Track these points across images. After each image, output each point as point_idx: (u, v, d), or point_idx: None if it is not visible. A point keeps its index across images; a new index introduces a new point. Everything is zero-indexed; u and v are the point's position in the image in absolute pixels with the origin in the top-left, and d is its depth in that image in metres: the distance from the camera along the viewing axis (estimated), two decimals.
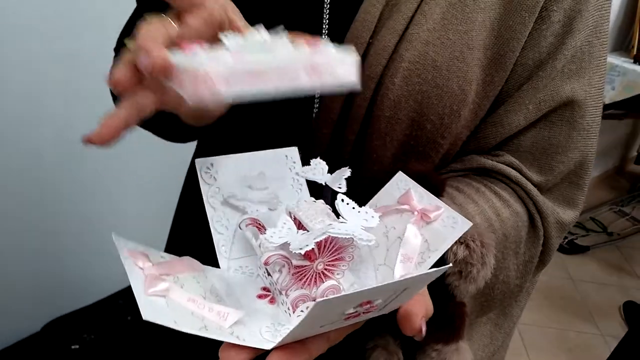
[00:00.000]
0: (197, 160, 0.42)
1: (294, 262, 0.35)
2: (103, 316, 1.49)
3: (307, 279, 0.36)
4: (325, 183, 0.41)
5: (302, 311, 0.35)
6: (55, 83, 1.23)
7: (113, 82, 0.32)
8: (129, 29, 0.59)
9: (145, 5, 0.58)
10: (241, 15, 0.38)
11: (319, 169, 0.42)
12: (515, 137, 0.52)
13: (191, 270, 0.36)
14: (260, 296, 0.38)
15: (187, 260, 0.37)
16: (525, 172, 0.52)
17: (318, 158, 0.43)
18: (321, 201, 0.40)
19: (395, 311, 0.36)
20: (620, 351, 1.66)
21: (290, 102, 0.51)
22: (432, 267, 0.37)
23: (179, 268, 0.36)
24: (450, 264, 0.36)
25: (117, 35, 0.57)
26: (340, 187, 0.39)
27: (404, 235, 0.38)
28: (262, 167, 0.44)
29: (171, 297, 0.32)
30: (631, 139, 3.47)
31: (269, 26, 0.51)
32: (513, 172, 0.51)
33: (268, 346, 0.31)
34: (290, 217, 0.39)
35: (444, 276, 0.44)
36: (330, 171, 0.43)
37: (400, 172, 0.43)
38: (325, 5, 0.49)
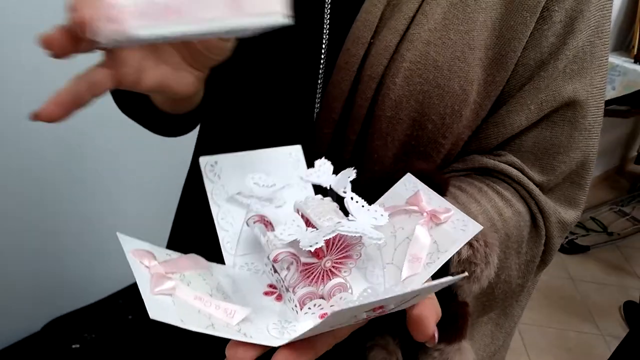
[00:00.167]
0: (201, 158, 0.42)
1: (302, 260, 0.35)
2: (103, 316, 1.49)
3: (314, 276, 0.36)
4: (330, 186, 0.41)
5: (309, 308, 0.35)
6: (54, 83, 1.23)
7: (43, 40, 0.30)
8: None
9: None
10: None
11: (323, 170, 0.42)
12: (517, 137, 0.52)
13: (197, 268, 0.36)
14: (266, 293, 0.38)
15: (193, 257, 0.37)
16: (527, 171, 0.52)
17: (323, 158, 0.43)
18: (329, 198, 0.40)
19: (397, 312, 0.36)
20: (621, 352, 1.67)
21: (291, 101, 0.52)
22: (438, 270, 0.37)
23: (184, 265, 0.35)
24: (465, 273, 0.35)
25: None
26: (345, 192, 0.39)
27: (413, 235, 0.38)
28: (266, 164, 0.44)
29: (178, 296, 0.32)
30: (631, 138, 3.47)
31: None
32: (515, 172, 0.51)
33: (275, 343, 0.31)
34: (299, 214, 0.39)
35: (447, 276, 0.44)
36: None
37: (408, 173, 0.42)
38: (326, 5, 0.49)
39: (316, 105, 0.50)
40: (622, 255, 2.70)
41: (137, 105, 0.54)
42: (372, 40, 0.48)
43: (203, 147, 0.63)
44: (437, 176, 0.44)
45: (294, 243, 0.34)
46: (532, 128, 0.51)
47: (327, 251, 0.35)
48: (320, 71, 0.50)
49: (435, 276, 0.37)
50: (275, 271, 0.37)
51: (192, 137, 0.65)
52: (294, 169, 0.45)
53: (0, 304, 1.37)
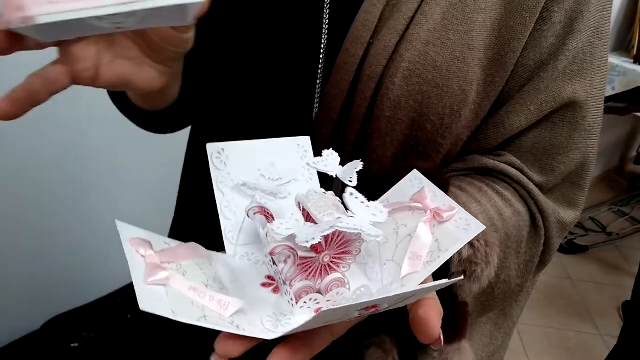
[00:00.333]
0: (208, 145, 0.42)
1: (300, 254, 0.35)
2: (103, 314, 1.49)
3: (312, 270, 0.35)
4: (335, 177, 0.41)
5: (305, 302, 0.35)
6: None
7: None
8: None
9: None
10: None
11: (330, 161, 0.42)
12: (517, 138, 0.52)
13: (195, 257, 0.36)
14: (264, 285, 0.38)
15: (192, 246, 0.36)
16: (527, 172, 0.52)
17: (330, 149, 0.42)
18: (331, 193, 0.40)
19: (395, 311, 0.36)
20: (619, 350, 1.67)
21: (290, 101, 0.52)
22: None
23: (182, 255, 0.35)
24: (462, 277, 0.35)
25: None
26: (351, 181, 0.38)
27: (415, 232, 0.38)
28: (273, 154, 0.43)
29: (171, 286, 0.32)
30: (631, 139, 3.47)
31: (268, 26, 0.51)
32: (515, 172, 0.51)
33: (268, 336, 0.31)
34: (299, 207, 0.38)
35: (447, 276, 0.44)
36: None
37: (415, 170, 0.42)
38: (326, 5, 0.49)
39: (315, 105, 0.50)
40: (621, 255, 2.70)
41: (122, 101, 0.54)
42: (371, 41, 0.48)
43: (198, 147, 0.64)
44: (438, 175, 0.44)
45: (292, 237, 0.34)
46: (532, 129, 0.51)
47: (325, 246, 0.35)
48: (319, 71, 0.50)
49: (435, 275, 0.37)
50: (274, 263, 0.36)
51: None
52: (302, 160, 0.44)
53: (0, 303, 1.37)
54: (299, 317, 0.35)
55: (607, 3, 0.50)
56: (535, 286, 0.64)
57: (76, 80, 0.34)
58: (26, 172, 1.32)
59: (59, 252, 1.46)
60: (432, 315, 0.34)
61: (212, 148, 0.42)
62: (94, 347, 1.39)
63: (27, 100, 0.32)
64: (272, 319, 0.34)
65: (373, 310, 0.31)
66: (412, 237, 0.38)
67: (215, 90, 0.56)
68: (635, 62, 2.43)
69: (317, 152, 0.44)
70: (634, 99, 2.38)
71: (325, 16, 0.49)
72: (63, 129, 1.32)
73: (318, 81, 0.50)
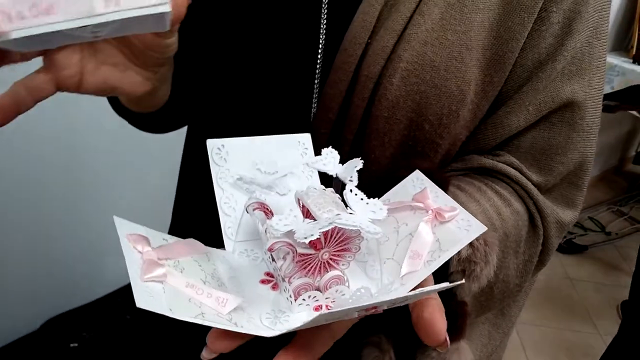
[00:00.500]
0: (208, 141, 0.41)
1: (299, 250, 0.34)
2: (102, 314, 1.49)
3: (311, 267, 0.35)
4: (335, 175, 0.41)
5: (303, 299, 0.35)
6: None
7: None
8: None
9: None
10: None
11: (330, 159, 0.41)
12: (515, 138, 0.52)
13: (194, 253, 0.36)
14: (263, 281, 0.38)
15: (190, 242, 0.36)
16: (526, 172, 0.52)
17: (330, 147, 0.42)
18: (331, 189, 0.40)
19: (391, 311, 0.36)
20: (615, 348, 1.67)
21: (288, 101, 0.52)
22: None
23: (180, 251, 0.35)
24: (463, 280, 0.35)
25: None
26: (351, 180, 0.38)
27: (416, 231, 0.38)
28: (273, 151, 0.43)
29: (169, 283, 0.32)
30: (630, 138, 3.48)
31: (266, 26, 0.51)
32: (513, 172, 0.51)
33: (266, 334, 0.31)
34: (299, 204, 0.38)
35: (446, 275, 0.44)
36: None
37: (417, 170, 0.42)
38: (323, 6, 0.49)
39: (313, 105, 0.50)
40: (620, 255, 2.70)
41: (115, 103, 0.54)
42: (369, 41, 0.48)
43: (196, 146, 0.64)
44: (437, 174, 0.44)
45: (291, 233, 0.33)
46: (530, 129, 0.51)
47: (325, 243, 0.35)
48: (317, 71, 0.50)
49: (434, 274, 0.37)
50: (273, 260, 0.36)
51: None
52: (302, 157, 0.44)
53: None
54: (297, 314, 0.35)
55: (605, 3, 0.50)
56: (534, 286, 0.64)
57: (61, 87, 0.34)
58: (24, 173, 1.32)
59: (58, 252, 1.46)
60: (438, 317, 0.33)
61: (212, 144, 0.42)
62: (93, 347, 1.39)
63: (12, 107, 0.32)
64: (271, 316, 0.34)
65: (373, 310, 0.31)
66: (412, 236, 0.38)
67: (213, 91, 0.56)
68: (634, 62, 2.43)
69: (316, 152, 0.44)
70: (625, 97, 2.39)
71: (323, 16, 0.49)
72: (62, 129, 1.32)
73: (316, 81, 0.50)
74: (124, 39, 0.35)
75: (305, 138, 0.45)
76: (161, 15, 0.32)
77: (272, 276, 0.38)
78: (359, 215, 0.35)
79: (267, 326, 0.33)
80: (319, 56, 0.50)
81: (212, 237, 0.41)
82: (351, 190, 0.36)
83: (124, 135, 1.33)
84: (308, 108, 0.51)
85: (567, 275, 2.51)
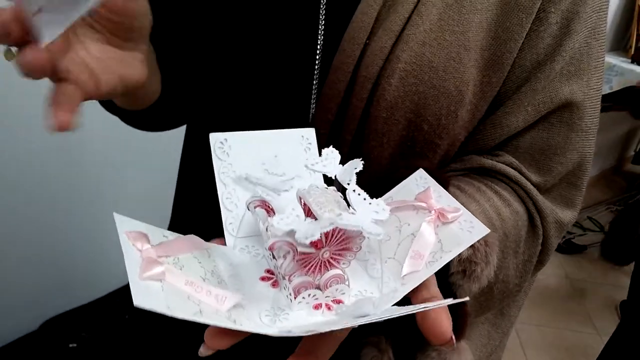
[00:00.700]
0: (211, 135, 0.41)
1: (300, 249, 0.34)
2: (101, 315, 1.49)
3: (312, 266, 0.35)
4: (335, 176, 0.40)
5: (303, 298, 0.35)
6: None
7: None
8: None
9: None
10: None
11: (330, 159, 0.41)
12: (514, 138, 0.52)
13: (194, 249, 0.36)
14: (263, 278, 0.38)
15: (191, 238, 0.36)
16: (525, 172, 0.52)
17: (330, 147, 0.42)
18: (333, 188, 0.39)
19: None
20: (612, 347, 1.67)
21: (286, 102, 0.52)
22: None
23: (180, 248, 0.34)
24: (467, 297, 0.35)
25: None
26: (349, 183, 0.38)
27: (419, 231, 0.37)
28: (276, 145, 0.43)
29: (167, 281, 0.31)
30: (629, 138, 3.48)
31: (264, 27, 0.51)
32: (513, 172, 0.51)
33: (265, 331, 0.31)
34: (300, 202, 0.38)
35: (447, 275, 0.44)
36: None
37: (421, 169, 0.42)
38: (322, 7, 0.49)
39: (312, 106, 0.50)
40: None
41: (107, 102, 0.55)
42: (367, 41, 0.48)
43: (195, 146, 0.64)
44: (437, 175, 0.44)
45: (292, 232, 0.33)
46: (529, 129, 0.51)
47: (325, 242, 0.35)
48: (316, 72, 0.50)
49: (434, 274, 0.37)
50: (274, 257, 0.36)
51: None
52: (305, 152, 0.44)
53: None
54: (297, 312, 0.35)
55: (603, 3, 0.50)
56: (533, 286, 0.64)
57: (85, 93, 0.35)
58: (23, 174, 1.31)
59: (56, 252, 1.46)
60: (444, 316, 0.33)
61: (214, 138, 0.41)
62: (92, 347, 1.39)
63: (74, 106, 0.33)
64: (270, 314, 0.34)
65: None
66: (414, 236, 0.38)
67: (211, 91, 0.56)
68: (632, 62, 2.43)
69: None
70: (618, 98, 2.39)
71: (321, 17, 0.49)
72: (58, 133, 1.32)
73: (314, 82, 0.50)
74: (102, 22, 0.36)
75: (309, 132, 0.44)
76: None
77: (272, 273, 0.38)
78: (361, 216, 0.34)
79: (265, 324, 0.33)
80: (317, 57, 0.50)
81: (213, 233, 0.40)
82: (354, 190, 0.36)
83: (127, 136, 1.33)
84: (306, 109, 0.51)
85: (566, 275, 2.51)
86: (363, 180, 0.49)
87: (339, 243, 0.35)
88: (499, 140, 0.52)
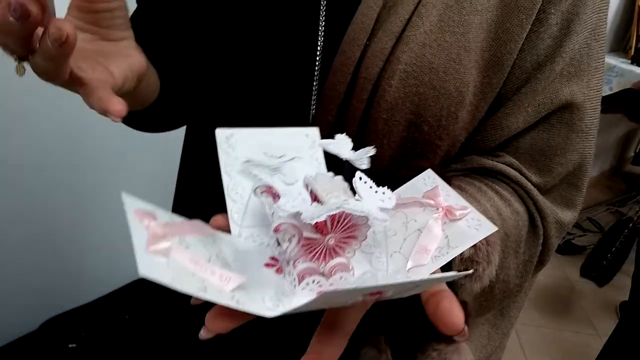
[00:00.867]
0: (217, 130, 0.41)
1: (305, 234, 0.34)
2: (100, 315, 1.49)
3: (316, 252, 0.35)
4: (346, 162, 0.40)
5: (307, 284, 0.34)
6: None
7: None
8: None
9: (145, 6, 0.58)
10: None
11: (342, 144, 0.41)
12: (514, 139, 0.52)
13: (200, 234, 0.35)
14: (267, 265, 0.37)
15: (197, 223, 0.36)
16: (525, 172, 0.52)
17: (343, 134, 0.41)
18: (340, 177, 0.39)
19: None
20: (610, 348, 1.67)
21: (286, 103, 0.52)
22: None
23: (186, 230, 0.34)
24: (471, 270, 0.35)
25: None
26: (362, 164, 0.38)
27: (425, 227, 0.37)
28: (282, 142, 0.43)
29: (173, 257, 0.31)
30: (629, 139, 3.48)
31: (264, 28, 0.51)
32: (513, 172, 0.51)
33: (268, 314, 0.31)
34: (307, 189, 0.38)
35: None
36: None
37: (429, 169, 0.42)
38: (322, 8, 0.49)
39: (312, 107, 0.50)
40: None
41: None
42: (367, 43, 0.48)
43: (194, 147, 0.64)
44: (438, 175, 0.44)
45: (298, 215, 0.33)
46: (529, 130, 0.51)
47: (331, 228, 0.34)
48: (316, 73, 0.50)
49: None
50: (279, 244, 0.36)
51: None
52: (309, 150, 0.44)
53: None
54: (300, 298, 0.34)
55: (603, 4, 0.50)
56: (533, 287, 0.64)
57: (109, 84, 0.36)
58: (23, 174, 1.31)
59: (56, 252, 1.46)
60: (456, 307, 0.33)
61: (221, 133, 0.41)
62: (92, 347, 1.39)
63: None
64: (274, 298, 0.34)
65: (377, 296, 0.31)
66: (421, 232, 0.38)
67: (212, 92, 0.56)
68: (632, 63, 2.43)
69: None
70: (615, 101, 2.39)
71: (321, 18, 0.49)
72: (68, 125, 1.32)
73: (314, 83, 0.50)
74: (81, 16, 0.37)
75: (313, 131, 0.44)
76: None
77: (276, 260, 0.38)
78: (368, 202, 0.34)
79: (268, 307, 0.33)
80: (318, 58, 0.50)
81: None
82: (361, 178, 0.36)
83: (129, 136, 1.33)
84: (307, 110, 0.51)
85: (566, 276, 2.51)
86: None
87: (344, 230, 0.35)
88: (499, 141, 0.52)
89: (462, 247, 0.36)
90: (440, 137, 0.49)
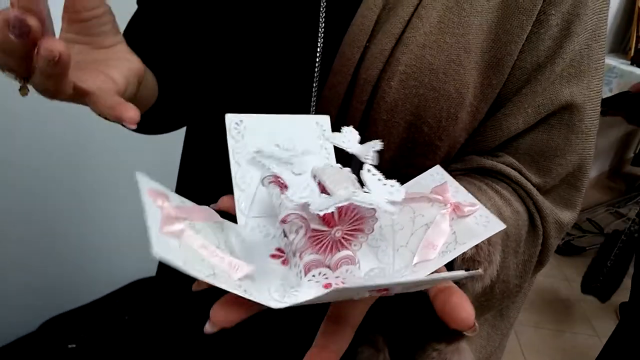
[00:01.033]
0: (227, 116, 0.41)
1: (312, 225, 0.34)
2: (100, 315, 1.49)
3: (323, 245, 0.35)
4: (353, 155, 0.40)
5: (313, 276, 0.34)
6: None
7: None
8: (130, 31, 0.59)
9: (146, 8, 0.58)
10: None
11: (349, 137, 0.40)
12: (514, 140, 0.52)
13: (209, 220, 0.35)
14: (273, 256, 0.37)
15: (206, 210, 0.36)
16: (525, 172, 0.52)
17: (350, 127, 0.41)
18: (348, 169, 0.39)
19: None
20: (609, 349, 1.67)
21: (286, 104, 0.52)
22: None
23: (197, 215, 0.34)
24: (480, 270, 0.35)
25: None
26: (368, 158, 0.37)
27: (433, 222, 0.37)
28: (291, 129, 0.43)
29: (184, 240, 0.31)
30: (628, 140, 3.48)
31: (264, 29, 0.51)
32: (513, 172, 0.51)
33: (275, 305, 0.30)
34: (315, 180, 0.38)
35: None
36: None
37: (438, 165, 0.42)
38: (322, 9, 0.49)
39: (312, 109, 0.50)
40: None
41: None
42: (367, 44, 0.48)
43: (195, 147, 0.64)
44: None
45: (305, 206, 0.33)
46: (529, 131, 0.51)
47: (338, 220, 0.34)
48: (316, 75, 0.50)
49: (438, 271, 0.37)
50: (286, 235, 0.36)
51: None
52: (319, 138, 0.44)
53: None
54: (306, 290, 0.34)
55: (604, 5, 0.50)
56: (532, 287, 0.64)
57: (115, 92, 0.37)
58: (22, 173, 1.31)
59: (56, 252, 1.46)
60: (466, 302, 0.33)
61: (230, 119, 0.41)
62: (92, 347, 1.39)
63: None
64: (280, 290, 0.34)
65: (384, 292, 0.31)
66: (428, 227, 0.37)
67: (211, 92, 0.56)
68: (632, 64, 2.44)
69: None
70: (613, 103, 2.39)
71: (321, 19, 0.49)
72: (67, 127, 1.32)
73: (314, 84, 0.50)
74: (70, 27, 0.37)
75: (324, 119, 0.44)
76: None
77: (282, 252, 0.38)
78: (376, 195, 0.34)
79: (275, 298, 0.33)
80: (317, 59, 0.50)
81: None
82: (369, 170, 0.36)
83: (129, 137, 1.33)
84: (307, 111, 0.51)
85: (565, 277, 2.51)
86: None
87: (351, 223, 0.35)
88: (499, 142, 0.52)
89: (469, 243, 0.35)
90: (440, 138, 0.49)
